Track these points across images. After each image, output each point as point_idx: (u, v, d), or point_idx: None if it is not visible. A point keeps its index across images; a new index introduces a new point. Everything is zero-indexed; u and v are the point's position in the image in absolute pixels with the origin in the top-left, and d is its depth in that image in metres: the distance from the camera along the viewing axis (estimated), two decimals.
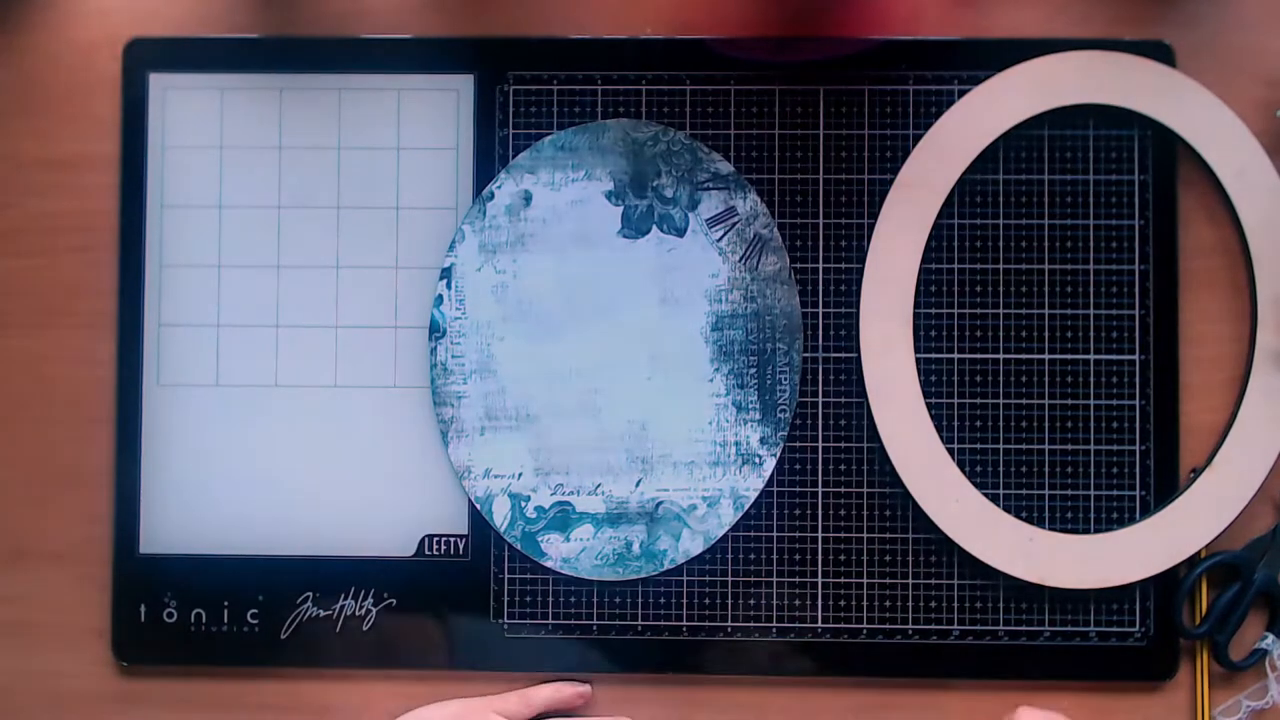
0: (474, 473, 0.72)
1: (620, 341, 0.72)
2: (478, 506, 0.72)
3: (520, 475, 0.72)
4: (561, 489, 0.72)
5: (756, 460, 0.71)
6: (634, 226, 0.72)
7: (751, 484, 0.72)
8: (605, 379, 0.72)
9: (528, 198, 0.72)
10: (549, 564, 0.72)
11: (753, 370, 0.72)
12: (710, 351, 0.72)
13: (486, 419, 0.72)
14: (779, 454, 0.72)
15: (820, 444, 0.72)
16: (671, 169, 0.72)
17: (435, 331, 0.72)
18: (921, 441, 0.72)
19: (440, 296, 0.72)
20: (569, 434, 0.72)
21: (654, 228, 0.72)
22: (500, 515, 0.72)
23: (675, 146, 0.72)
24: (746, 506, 0.71)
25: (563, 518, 0.72)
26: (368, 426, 0.73)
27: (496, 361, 0.72)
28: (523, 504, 0.72)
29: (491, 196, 0.72)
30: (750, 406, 0.72)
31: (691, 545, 0.72)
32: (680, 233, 0.72)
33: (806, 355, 0.73)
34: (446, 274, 0.72)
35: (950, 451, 0.72)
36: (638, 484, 0.72)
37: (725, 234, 0.71)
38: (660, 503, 0.72)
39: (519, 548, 0.72)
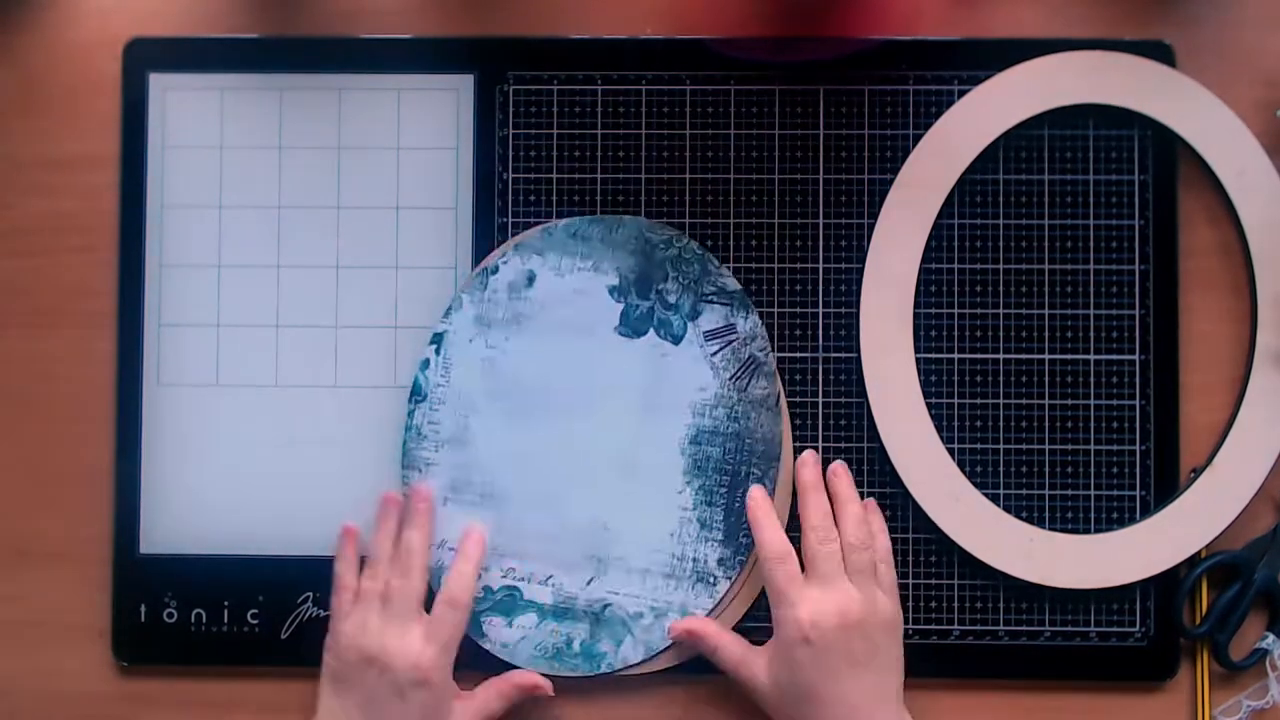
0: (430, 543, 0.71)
1: (598, 437, 0.71)
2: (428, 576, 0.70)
3: None
4: (513, 573, 0.71)
5: (710, 580, 0.71)
6: (631, 326, 0.71)
7: (701, 602, 0.71)
8: (576, 472, 0.71)
9: (531, 278, 0.71)
10: (486, 646, 0.71)
11: (723, 490, 0.71)
12: (685, 463, 0.71)
13: (451, 490, 0.71)
14: (735, 578, 0.71)
15: (820, 444, 0.72)
16: (679, 275, 0.71)
17: (416, 395, 0.71)
18: (921, 441, 0.72)
19: (427, 360, 0.72)
20: (530, 520, 0.71)
21: (651, 330, 0.71)
22: None
23: (687, 254, 0.71)
24: None
25: (509, 602, 0.71)
26: (367, 426, 0.73)
27: (471, 434, 0.71)
28: None
29: (496, 270, 0.71)
30: (714, 525, 0.71)
31: (631, 653, 0.71)
32: (676, 340, 0.71)
33: (807, 355, 0.73)
34: (438, 339, 0.72)
35: (950, 451, 0.72)
36: (589, 582, 0.71)
37: (720, 350, 0.71)
38: (608, 605, 0.71)
39: None
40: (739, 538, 0.70)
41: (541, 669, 0.71)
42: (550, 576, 0.71)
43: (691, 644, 0.70)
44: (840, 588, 0.66)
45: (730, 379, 0.71)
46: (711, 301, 0.71)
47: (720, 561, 0.70)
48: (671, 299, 0.71)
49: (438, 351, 0.72)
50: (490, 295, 0.71)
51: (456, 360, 0.72)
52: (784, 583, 0.67)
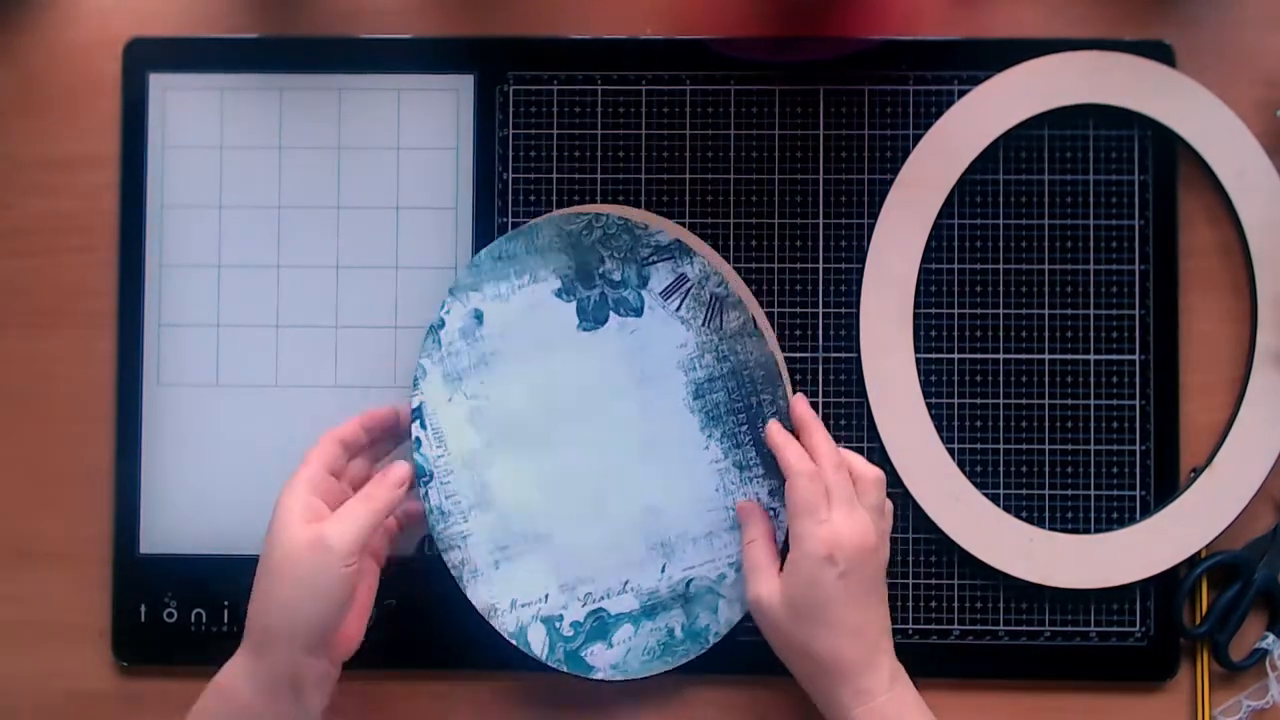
0: (500, 609, 0.71)
1: (608, 433, 0.71)
2: (513, 642, 0.71)
3: (547, 597, 0.71)
4: (590, 597, 0.71)
5: (772, 513, 0.70)
6: (591, 317, 0.71)
7: (776, 537, 0.70)
8: (603, 476, 0.71)
9: (479, 316, 0.71)
10: (598, 676, 0.70)
11: (745, 428, 0.71)
12: (698, 420, 0.71)
13: (498, 550, 0.71)
14: None
15: None
16: (612, 252, 0.71)
17: (423, 477, 0.70)
18: (921, 441, 0.72)
19: (418, 440, 0.70)
20: (582, 540, 0.71)
21: (611, 314, 0.71)
22: (538, 643, 0.71)
23: (610, 229, 0.70)
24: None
25: (600, 626, 0.71)
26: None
27: (491, 490, 0.71)
28: (557, 625, 0.71)
29: (442, 324, 0.71)
30: (751, 464, 0.71)
31: (730, 613, 0.71)
32: (638, 312, 0.71)
33: (807, 355, 0.73)
34: (418, 414, 0.71)
35: (950, 451, 0.72)
36: (663, 570, 0.71)
37: (681, 301, 0.70)
38: (690, 581, 0.71)
39: (565, 669, 0.70)
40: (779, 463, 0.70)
41: (657, 669, 0.71)
42: (626, 582, 0.71)
43: (742, 522, 0.69)
44: (858, 514, 0.65)
45: (702, 324, 0.70)
46: (653, 262, 0.71)
47: (773, 493, 0.70)
48: (616, 277, 0.71)
49: (423, 426, 0.70)
50: (448, 349, 0.71)
51: (445, 427, 0.71)
52: (815, 499, 0.65)
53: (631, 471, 0.71)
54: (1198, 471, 0.72)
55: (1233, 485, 0.71)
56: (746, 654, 0.71)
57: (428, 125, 0.74)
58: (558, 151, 0.73)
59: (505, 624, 0.70)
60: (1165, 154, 0.73)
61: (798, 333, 0.73)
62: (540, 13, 0.74)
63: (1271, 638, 0.72)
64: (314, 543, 0.62)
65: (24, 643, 0.73)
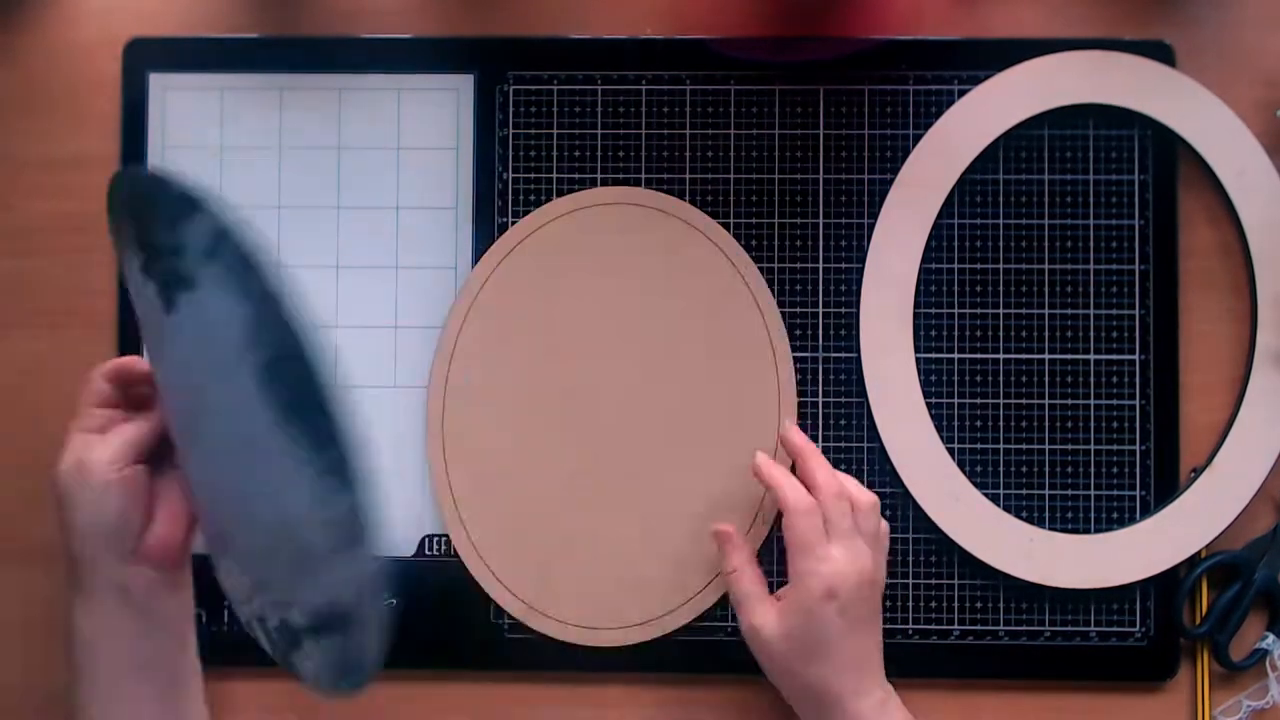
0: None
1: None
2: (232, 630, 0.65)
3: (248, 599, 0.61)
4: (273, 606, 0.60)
5: None
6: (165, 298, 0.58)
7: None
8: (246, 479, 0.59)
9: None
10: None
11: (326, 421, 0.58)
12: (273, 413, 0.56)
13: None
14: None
15: (820, 444, 0.72)
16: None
17: None
18: (921, 441, 0.72)
19: None
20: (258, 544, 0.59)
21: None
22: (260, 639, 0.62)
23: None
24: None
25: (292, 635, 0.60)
26: (368, 427, 0.73)
27: None
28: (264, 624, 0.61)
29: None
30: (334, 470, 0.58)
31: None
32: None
33: (807, 355, 0.73)
34: None
35: (950, 451, 0.72)
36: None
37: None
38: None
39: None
40: None
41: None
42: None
43: (724, 548, 0.68)
44: (857, 544, 0.65)
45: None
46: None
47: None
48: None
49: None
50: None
51: None
52: (813, 536, 0.65)
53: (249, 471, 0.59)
54: (1198, 471, 0.72)
55: (1233, 485, 0.71)
56: (745, 654, 0.71)
57: (428, 125, 0.74)
58: (558, 151, 0.73)
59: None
60: (1165, 154, 0.73)
61: (798, 333, 0.73)
62: (540, 13, 0.74)
63: (1271, 638, 0.72)
64: (75, 466, 0.62)
65: (24, 643, 0.73)
